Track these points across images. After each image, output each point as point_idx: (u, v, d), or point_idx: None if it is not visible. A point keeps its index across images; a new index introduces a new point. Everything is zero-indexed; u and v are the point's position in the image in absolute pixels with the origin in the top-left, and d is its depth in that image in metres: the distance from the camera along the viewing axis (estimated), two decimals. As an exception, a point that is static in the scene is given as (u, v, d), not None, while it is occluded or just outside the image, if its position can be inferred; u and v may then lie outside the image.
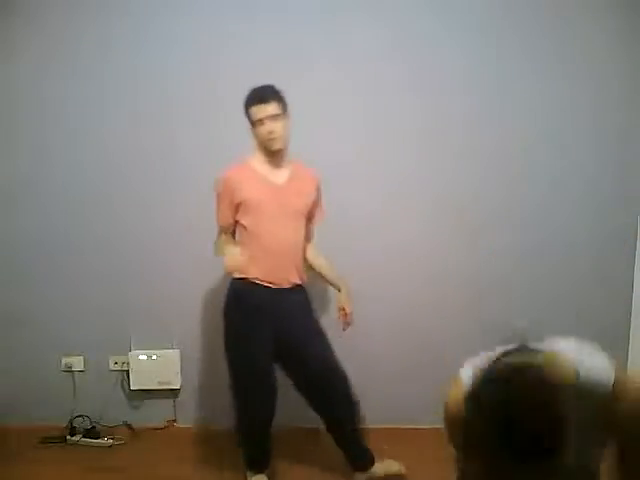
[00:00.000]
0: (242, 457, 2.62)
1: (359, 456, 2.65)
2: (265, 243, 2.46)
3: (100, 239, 3.10)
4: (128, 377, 3.16)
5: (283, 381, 2.59)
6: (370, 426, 3.13)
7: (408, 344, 3.13)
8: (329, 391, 2.56)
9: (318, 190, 2.63)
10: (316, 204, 2.63)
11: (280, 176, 2.52)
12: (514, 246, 3.11)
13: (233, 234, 2.57)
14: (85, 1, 2.97)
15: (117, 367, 3.18)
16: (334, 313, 2.74)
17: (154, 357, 3.13)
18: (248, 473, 2.62)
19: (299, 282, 2.57)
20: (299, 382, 2.58)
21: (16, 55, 2.99)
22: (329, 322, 2.73)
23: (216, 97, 2.97)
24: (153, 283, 3.11)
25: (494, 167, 3.08)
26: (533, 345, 1.13)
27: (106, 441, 3.06)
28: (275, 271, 2.49)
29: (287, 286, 2.52)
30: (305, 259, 2.63)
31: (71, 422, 3.12)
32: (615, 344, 3.17)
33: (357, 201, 3.07)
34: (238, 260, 2.47)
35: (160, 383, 3.15)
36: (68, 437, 3.08)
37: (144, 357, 3.13)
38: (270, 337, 2.48)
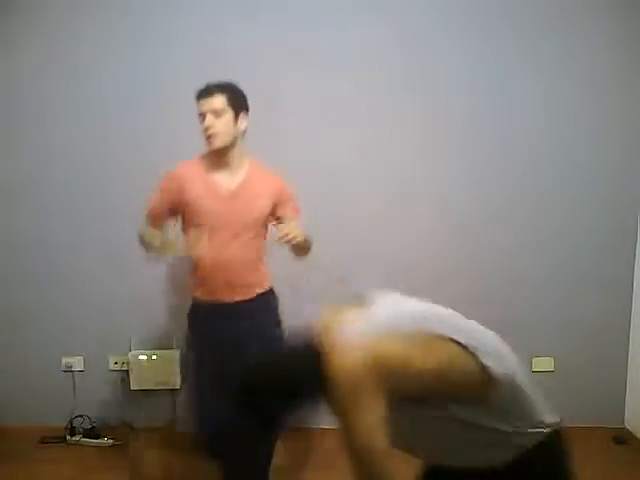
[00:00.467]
0: None
1: None
2: (205, 260, 2.22)
3: (100, 239, 3.10)
4: (128, 377, 3.15)
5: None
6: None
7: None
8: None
9: (282, 194, 2.34)
10: (283, 207, 2.34)
11: (231, 180, 2.26)
12: (514, 246, 3.11)
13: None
14: (85, 1, 2.97)
15: (117, 367, 3.18)
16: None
17: (154, 357, 3.13)
18: None
19: (256, 293, 2.30)
20: None
21: (16, 54, 2.99)
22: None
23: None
24: (153, 283, 3.10)
25: (494, 167, 3.08)
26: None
27: (106, 441, 3.06)
28: (220, 291, 2.24)
29: (240, 300, 2.25)
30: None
31: (71, 422, 3.12)
32: (615, 344, 3.18)
33: (357, 202, 3.08)
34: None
35: (160, 383, 3.15)
36: (68, 437, 3.08)
37: (144, 357, 3.13)
38: (222, 363, 2.15)
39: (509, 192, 3.09)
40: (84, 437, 3.08)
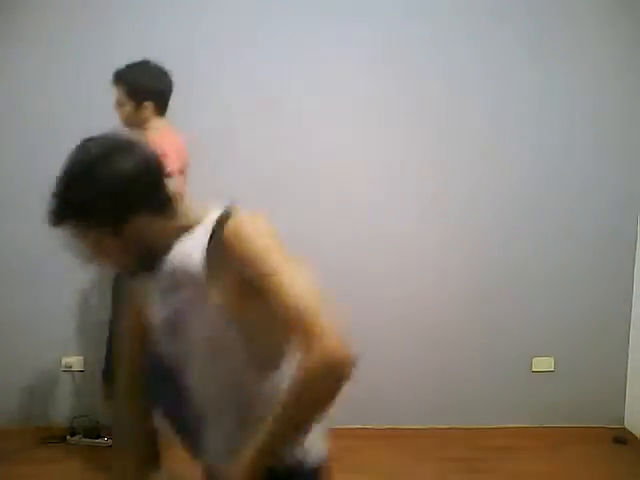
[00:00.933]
0: None
1: None
2: None
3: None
4: (128, 377, 3.15)
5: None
6: (370, 426, 3.15)
7: (408, 344, 3.13)
8: None
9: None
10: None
11: None
12: (514, 246, 3.11)
13: None
14: (85, 0, 2.97)
15: (117, 367, 3.18)
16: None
17: (154, 357, 3.12)
18: None
19: None
20: None
21: (17, 53, 2.98)
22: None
23: (216, 97, 2.97)
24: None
25: (494, 167, 3.08)
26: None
27: (106, 441, 3.05)
28: None
29: None
30: None
31: (71, 422, 3.12)
32: (615, 344, 3.18)
33: (357, 202, 3.08)
34: None
35: (160, 383, 3.14)
36: (68, 437, 3.08)
37: (144, 357, 3.12)
38: None
39: (508, 192, 3.09)
40: (84, 437, 3.07)
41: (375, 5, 2.97)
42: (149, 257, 1.18)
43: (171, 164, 2.16)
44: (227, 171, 2.97)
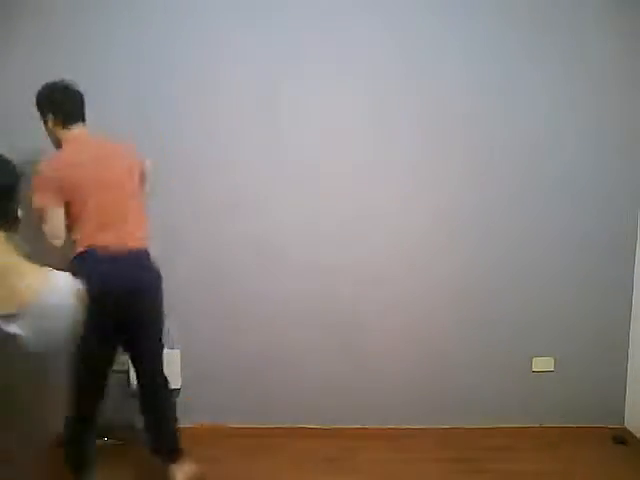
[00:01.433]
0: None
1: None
2: None
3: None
4: (128, 377, 3.15)
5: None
6: (370, 426, 3.15)
7: (408, 344, 3.14)
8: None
9: None
10: None
11: None
12: (514, 246, 3.12)
13: None
14: (86, 0, 2.97)
15: (117, 367, 3.16)
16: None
17: (154, 357, 3.13)
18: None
19: None
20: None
21: (16, 54, 2.99)
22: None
23: (217, 97, 2.97)
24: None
25: (494, 168, 3.08)
26: None
27: (106, 441, 3.06)
28: None
29: None
30: None
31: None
32: (615, 344, 3.18)
33: (357, 202, 3.08)
34: None
35: (160, 383, 3.14)
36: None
37: (144, 357, 3.12)
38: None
39: (509, 193, 3.09)
40: (84, 437, 3.08)
41: (375, 5, 2.98)
42: None
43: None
44: (227, 171, 2.97)
